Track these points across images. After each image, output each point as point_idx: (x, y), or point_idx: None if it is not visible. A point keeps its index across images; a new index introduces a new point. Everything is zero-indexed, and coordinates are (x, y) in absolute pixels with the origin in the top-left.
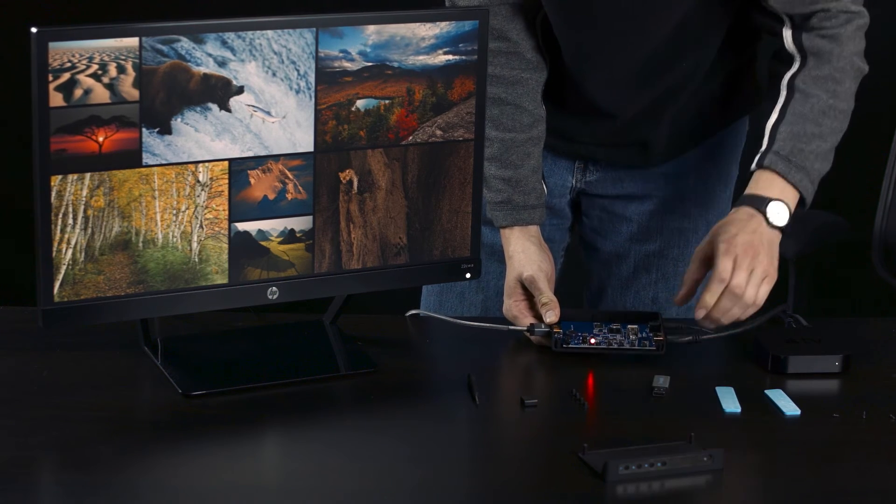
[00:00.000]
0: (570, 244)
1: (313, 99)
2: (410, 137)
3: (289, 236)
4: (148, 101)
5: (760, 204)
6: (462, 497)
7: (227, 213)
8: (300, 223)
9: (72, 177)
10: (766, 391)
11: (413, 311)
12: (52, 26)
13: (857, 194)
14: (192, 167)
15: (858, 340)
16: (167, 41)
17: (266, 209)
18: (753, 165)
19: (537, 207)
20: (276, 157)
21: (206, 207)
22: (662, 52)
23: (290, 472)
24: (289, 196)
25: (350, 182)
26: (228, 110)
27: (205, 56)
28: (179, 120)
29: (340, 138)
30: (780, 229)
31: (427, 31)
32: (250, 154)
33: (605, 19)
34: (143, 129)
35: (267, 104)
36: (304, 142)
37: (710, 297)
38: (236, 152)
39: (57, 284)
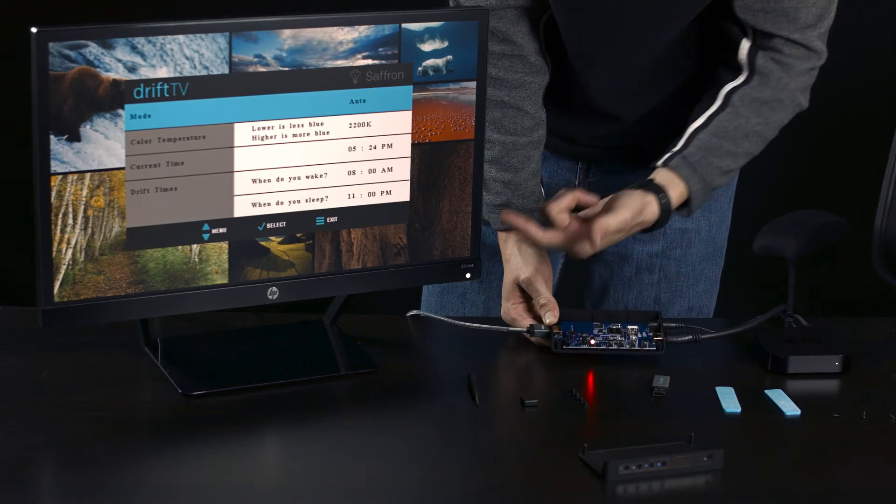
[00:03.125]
0: None
1: None
2: None
3: (289, 236)
4: (56, 107)
5: (660, 194)
6: (462, 497)
7: None
8: None
9: (72, 177)
10: (766, 391)
11: (414, 312)
12: (52, 26)
13: (857, 194)
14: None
15: (858, 340)
16: (74, 46)
17: None
18: (660, 162)
19: (535, 211)
20: None
21: None
22: (666, 56)
23: (290, 472)
24: None
25: None
26: None
27: (114, 61)
28: (88, 127)
29: None
30: (656, 221)
31: (345, 35)
32: None
33: (611, 22)
34: (51, 137)
35: None
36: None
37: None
38: None
39: (57, 284)
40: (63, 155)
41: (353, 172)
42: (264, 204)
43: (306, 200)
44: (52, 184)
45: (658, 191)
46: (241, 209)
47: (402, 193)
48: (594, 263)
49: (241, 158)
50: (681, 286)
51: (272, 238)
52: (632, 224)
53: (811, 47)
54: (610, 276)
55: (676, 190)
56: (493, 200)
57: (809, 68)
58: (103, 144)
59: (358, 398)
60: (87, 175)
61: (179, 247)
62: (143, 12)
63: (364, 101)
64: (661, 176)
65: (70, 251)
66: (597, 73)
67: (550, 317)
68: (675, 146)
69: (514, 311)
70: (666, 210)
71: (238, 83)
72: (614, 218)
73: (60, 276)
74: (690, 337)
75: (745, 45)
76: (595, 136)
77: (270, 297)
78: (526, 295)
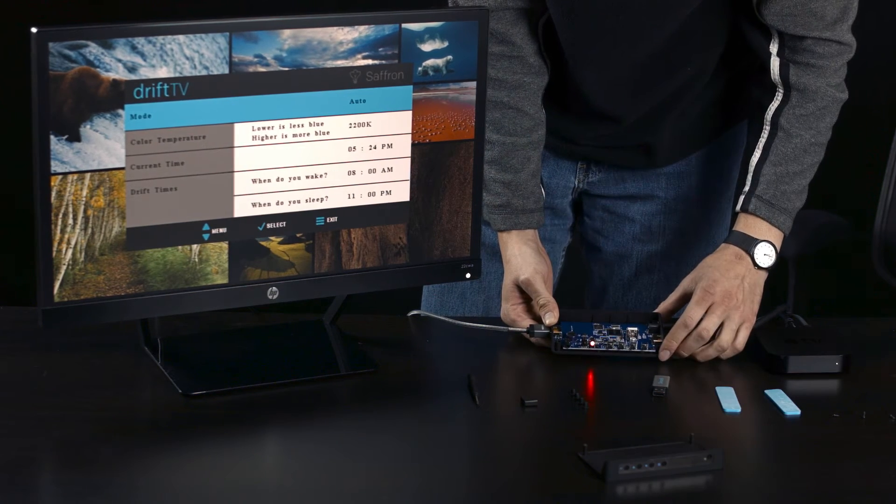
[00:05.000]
0: (570, 244)
1: None
2: None
3: (289, 236)
4: (56, 107)
5: (749, 245)
6: (462, 497)
7: None
8: None
9: (72, 177)
10: (766, 391)
11: (414, 312)
12: (52, 26)
13: (857, 194)
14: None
15: (858, 340)
16: (74, 46)
17: None
18: (738, 206)
19: (535, 212)
20: None
21: None
22: (664, 57)
23: (290, 472)
24: None
25: None
26: None
27: (113, 61)
28: (88, 127)
29: None
30: (766, 269)
31: (345, 35)
32: None
33: (608, 21)
34: (51, 137)
35: None
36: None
37: (671, 340)
38: None
39: (57, 284)
40: (63, 155)
41: (353, 172)
42: (264, 204)
43: (306, 200)
44: (52, 184)
45: (734, 238)
46: (241, 209)
47: (402, 193)
48: (594, 264)
49: (241, 158)
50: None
51: (272, 238)
52: (722, 297)
53: (842, 41)
54: (609, 277)
55: (763, 231)
56: (493, 201)
57: (842, 64)
58: (103, 144)
59: (358, 398)
60: (87, 175)
61: (179, 247)
62: (143, 12)
63: (364, 101)
64: (746, 223)
65: (70, 251)
66: (594, 72)
67: (550, 317)
68: (744, 186)
69: (513, 312)
70: (749, 252)
71: (238, 83)
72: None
73: (60, 276)
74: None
75: (774, 65)
76: (594, 136)
77: (270, 297)
78: (526, 296)
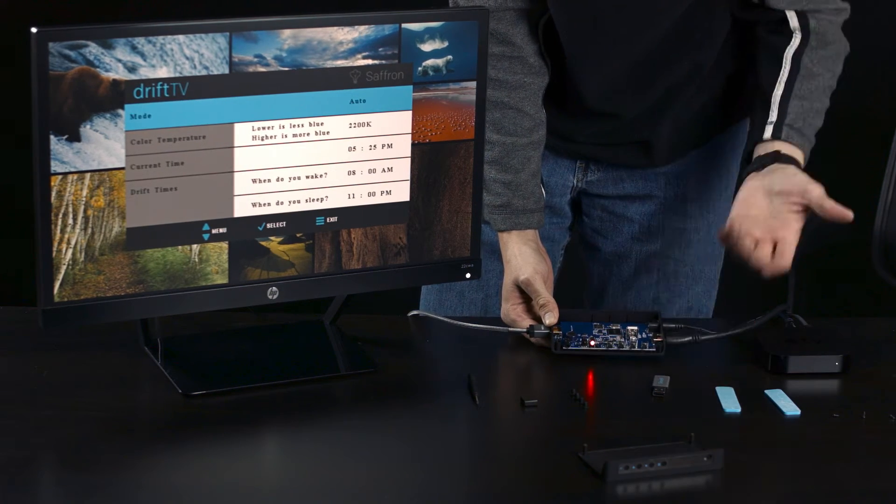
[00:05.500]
0: (569, 243)
1: None
2: None
3: (289, 236)
4: (56, 107)
5: (787, 161)
6: (462, 497)
7: None
8: None
9: (72, 177)
10: (766, 391)
11: (415, 312)
12: (52, 26)
13: (857, 194)
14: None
15: (858, 340)
16: (74, 46)
17: None
18: (766, 135)
19: (536, 212)
20: None
21: None
22: (661, 52)
23: (290, 472)
24: None
25: None
26: None
27: (114, 61)
28: (88, 127)
29: None
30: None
31: (345, 35)
32: None
33: (609, 21)
34: (51, 137)
35: None
36: None
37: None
38: None
39: (57, 284)
40: (63, 155)
41: (353, 172)
42: (264, 204)
43: (306, 200)
44: (52, 184)
45: (790, 161)
46: (241, 209)
47: (402, 193)
48: (592, 263)
49: (241, 158)
50: (679, 286)
51: (272, 238)
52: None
53: (839, 7)
54: (608, 276)
55: (799, 159)
56: (494, 201)
57: (843, 21)
58: (103, 144)
59: (358, 398)
60: (87, 175)
61: (179, 247)
62: (143, 12)
63: (364, 101)
64: (784, 147)
65: (70, 251)
66: (594, 71)
67: (550, 317)
68: (770, 118)
69: (513, 312)
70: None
71: (238, 83)
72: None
73: (60, 276)
74: (690, 337)
75: (792, 16)
76: (593, 134)
77: (270, 297)
78: (525, 296)
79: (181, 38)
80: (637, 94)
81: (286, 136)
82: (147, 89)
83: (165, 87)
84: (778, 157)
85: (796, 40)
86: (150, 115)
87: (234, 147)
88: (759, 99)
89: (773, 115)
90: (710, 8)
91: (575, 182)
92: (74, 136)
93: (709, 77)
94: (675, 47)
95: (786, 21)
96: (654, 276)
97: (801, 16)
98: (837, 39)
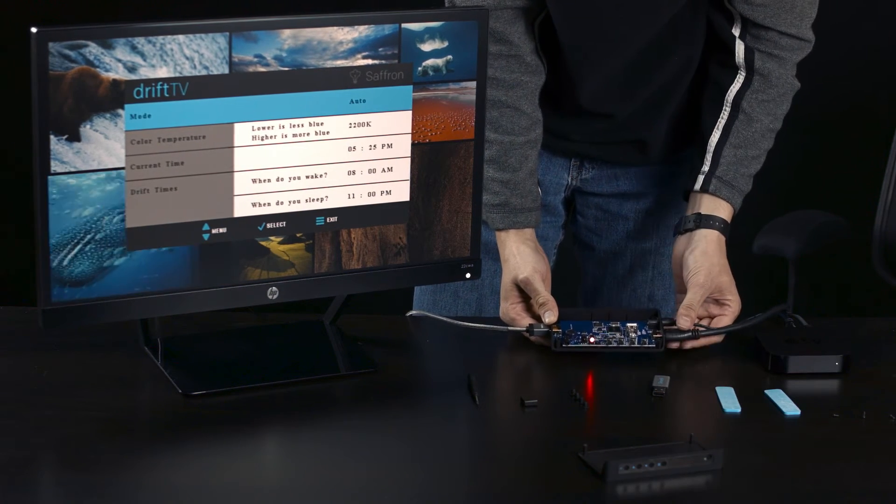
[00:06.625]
0: (562, 241)
1: None
2: None
3: (289, 236)
4: (56, 107)
5: (722, 228)
6: (462, 497)
7: None
8: None
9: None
10: (766, 391)
11: (412, 312)
12: (52, 26)
13: (857, 194)
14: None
15: (858, 340)
16: (74, 46)
17: None
18: (697, 186)
19: (533, 210)
20: None
21: None
22: (654, 48)
23: (290, 472)
24: None
25: None
26: None
27: (113, 61)
28: (88, 127)
29: None
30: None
31: (345, 35)
32: None
33: (606, 20)
34: (51, 137)
35: None
36: None
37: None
38: None
39: (57, 284)
40: (63, 155)
41: (353, 172)
42: (264, 204)
43: (306, 200)
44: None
45: (712, 223)
46: (241, 209)
47: (402, 193)
48: (587, 263)
49: (241, 158)
50: (674, 283)
51: (272, 238)
52: (712, 277)
53: (804, 38)
54: (603, 275)
55: (725, 212)
56: (492, 200)
57: (800, 58)
58: (103, 144)
59: (358, 398)
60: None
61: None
62: (142, 12)
63: (364, 101)
64: (707, 204)
65: (70, 251)
66: (590, 70)
67: (550, 316)
68: (703, 166)
69: (512, 311)
70: (725, 233)
71: (238, 83)
72: (694, 295)
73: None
74: (690, 335)
75: (739, 48)
76: (587, 132)
77: (270, 297)
78: (524, 294)
79: (181, 38)
80: (632, 92)
81: (286, 136)
82: (147, 89)
83: (165, 87)
84: (700, 221)
85: (739, 80)
86: (150, 115)
87: (233, 147)
88: (698, 141)
89: (706, 165)
90: (696, 2)
91: (569, 180)
92: (74, 136)
93: (699, 73)
94: (669, 43)
95: (732, 54)
96: (648, 274)
97: (749, 51)
98: (783, 82)
